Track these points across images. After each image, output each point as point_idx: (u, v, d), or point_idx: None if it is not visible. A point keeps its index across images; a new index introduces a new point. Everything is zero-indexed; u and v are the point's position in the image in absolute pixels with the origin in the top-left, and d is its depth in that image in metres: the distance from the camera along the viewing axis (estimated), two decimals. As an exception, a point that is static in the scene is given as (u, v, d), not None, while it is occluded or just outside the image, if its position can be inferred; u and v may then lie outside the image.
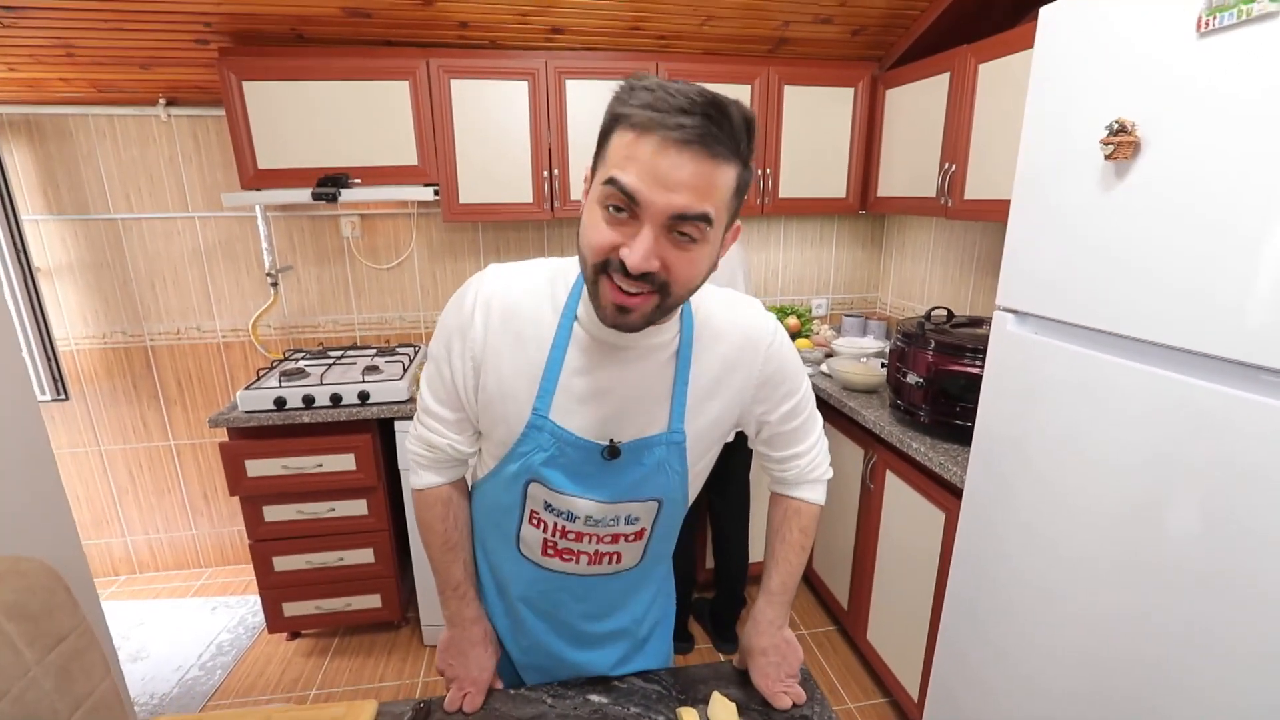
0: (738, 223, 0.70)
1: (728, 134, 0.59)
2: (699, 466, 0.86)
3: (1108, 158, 0.93)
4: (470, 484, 0.95)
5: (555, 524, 0.82)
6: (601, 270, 0.65)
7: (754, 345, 0.81)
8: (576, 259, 0.73)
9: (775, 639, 0.91)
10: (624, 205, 0.61)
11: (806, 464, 0.92)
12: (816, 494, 0.95)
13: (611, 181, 0.61)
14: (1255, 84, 0.76)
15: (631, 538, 0.85)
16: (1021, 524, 1.20)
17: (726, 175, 0.61)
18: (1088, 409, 1.03)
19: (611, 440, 0.77)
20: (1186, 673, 0.90)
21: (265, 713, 0.92)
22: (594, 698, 0.93)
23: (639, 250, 0.61)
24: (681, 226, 0.61)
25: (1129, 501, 0.97)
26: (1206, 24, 0.80)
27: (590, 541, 0.83)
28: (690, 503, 0.90)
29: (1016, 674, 1.23)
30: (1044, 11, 1.08)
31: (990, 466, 1.27)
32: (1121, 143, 0.90)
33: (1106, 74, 0.95)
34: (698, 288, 0.69)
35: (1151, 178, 0.89)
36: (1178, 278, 0.87)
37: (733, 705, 0.87)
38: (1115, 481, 0.99)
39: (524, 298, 0.77)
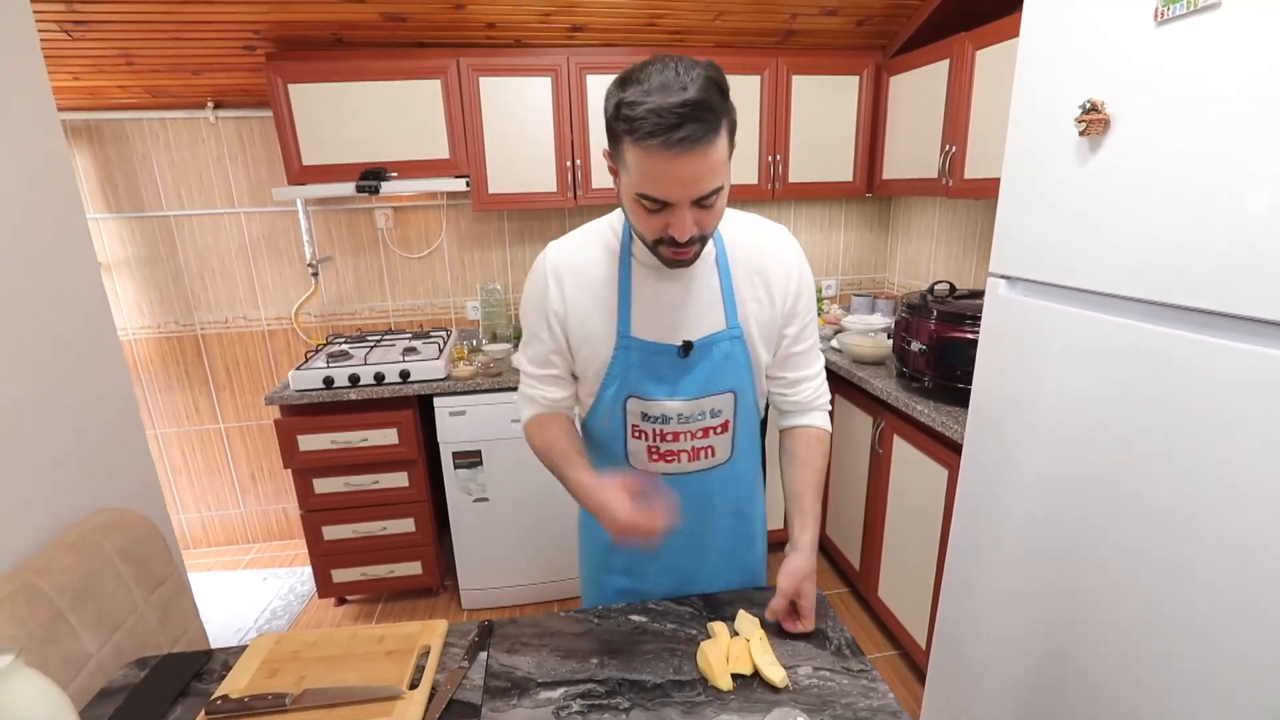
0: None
1: (715, 118, 0.73)
2: (763, 361, 1.01)
3: (1081, 134, 1.04)
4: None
5: (654, 430, 0.99)
6: (658, 242, 0.84)
7: (788, 259, 0.98)
8: (617, 213, 0.96)
9: (813, 564, 1.01)
10: (658, 206, 0.79)
11: (817, 387, 1.06)
12: (826, 420, 1.08)
13: (644, 196, 0.78)
14: (1205, 65, 0.88)
15: (719, 429, 1.01)
16: (1015, 473, 1.32)
17: (722, 143, 0.76)
18: (1071, 361, 1.15)
19: (685, 340, 0.94)
20: (1174, 604, 1.01)
21: (352, 630, 1.06)
22: (635, 617, 1.06)
23: (682, 229, 0.79)
24: (704, 200, 0.78)
25: (1110, 443, 1.09)
26: (1162, 13, 0.91)
27: (685, 439, 1.00)
28: (762, 404, 1.07)
29: (1011, 615, 1.35)
30: (1028, 1, 1.19)
31: (987, 422, 1.39)
32: (1093, 120, 1.01)
33: (1081, 58, 1.07)
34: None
35: (1120, 151, 1.01)
36: (1145, 238, 0.99)
37: (755, 619, 1.00)
38: (1097, 425, 1.11)
39: (582, 253, 0.97)
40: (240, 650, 1.02)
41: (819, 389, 1.06)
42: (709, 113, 0.72)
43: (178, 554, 1.60)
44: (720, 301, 0.95)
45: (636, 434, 1.01)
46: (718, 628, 0.98)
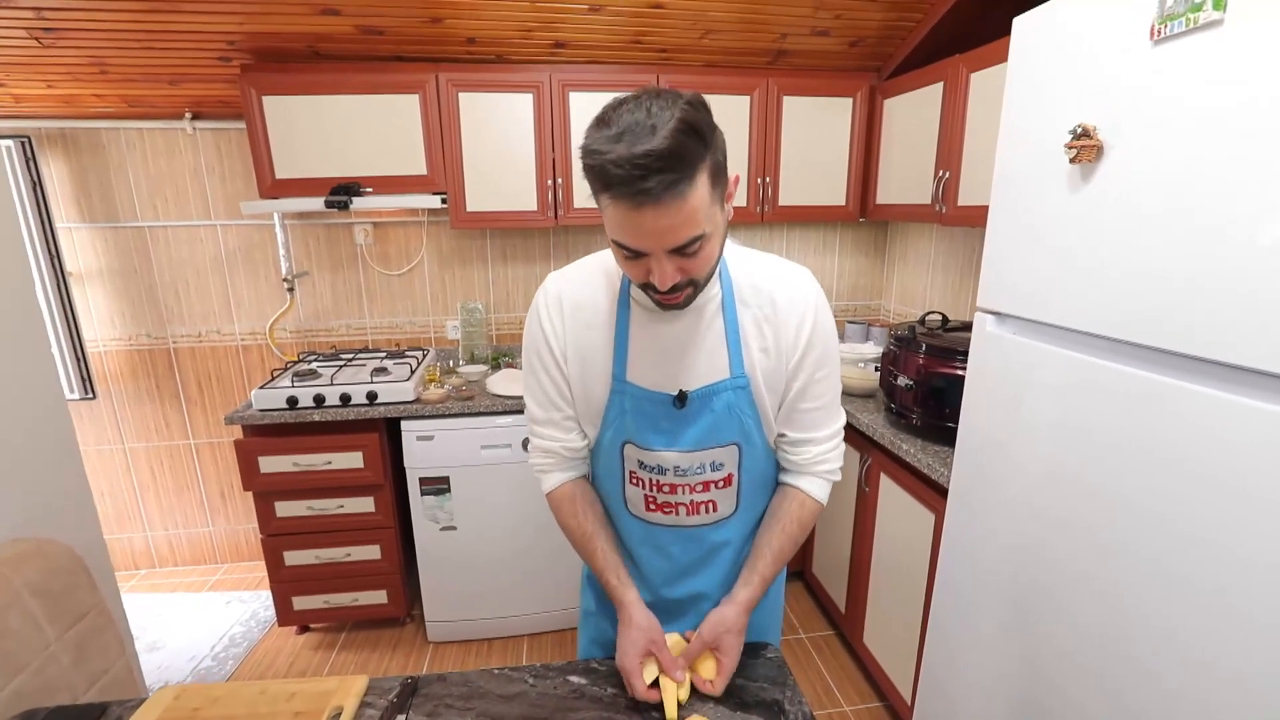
0: (734, 175, 0.78)
1: (687, 166, 0.66)
2: (772, 414, 0.91)
3: (1072, 161, 0.96)
4: None
5: (651, 479, 0.93)
6: (642, 288, 0.79)
7: (801, 308, 0.86)
8: None
9: (743, 622, 0.92)
10: (634, 254, 0.73)
11: (819, 453, 0.93)
12: (821, 490, 0.95)
13: (619, 244, 0.73)
14: (1205, 85, 0.79)
15: (721, 484, 0.93)
16: (1003, 519, 1.21)
17: (698, 190, 0.69)
18: (1059, 402, 1.05)
19: (680, 390, 0.86)
20: (1163, 665, 0.91)
21: (262, 685, 0.97)
22: (574, 678, 0.97)
23: (662, 278, 0.74)
24: (684, 249, 0.72)
25: (1101, 492, 0.99)
26: (1159, 32, 0.83)
27: (684, 492, 0.93)
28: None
29: (1000, 667, 1.24)
30: (1017, 22, 1.12)
31: (973, 465, 1.29)
32: (1084, 146, 0.93)
33: (1072, 79, 0.98)
34: (720, 259, 0.82)
35: (1114, 179, 0.92)
36: (1138, 276, 0.89)
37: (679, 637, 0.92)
38: (1084, 468, 1.01)
39: (584, 289, 0.91)
40: (138, 704, 0.93)
41: (825, 455, 0.94)
42: (679, 162, 0.65)
43: (110, 584, 1.51)
44: (725, 347, 0.87)
45: (634, 481, 0.95)
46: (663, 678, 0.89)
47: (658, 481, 0.93)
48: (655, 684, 0.89)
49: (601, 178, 0.67)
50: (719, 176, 0.72)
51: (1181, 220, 0.83)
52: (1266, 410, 0.74)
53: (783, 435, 0.94)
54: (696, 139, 0.66)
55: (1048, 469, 1.09)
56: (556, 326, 0.90)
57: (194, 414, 2.57)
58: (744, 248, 0.92)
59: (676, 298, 0.78)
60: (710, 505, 0.94)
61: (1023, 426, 1.15)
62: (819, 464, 0.94)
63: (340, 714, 0.89)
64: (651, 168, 0.64)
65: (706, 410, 0.88)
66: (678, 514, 0.95)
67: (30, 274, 1.33)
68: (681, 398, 0.87)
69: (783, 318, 0.86)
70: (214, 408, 2.57)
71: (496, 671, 0.98)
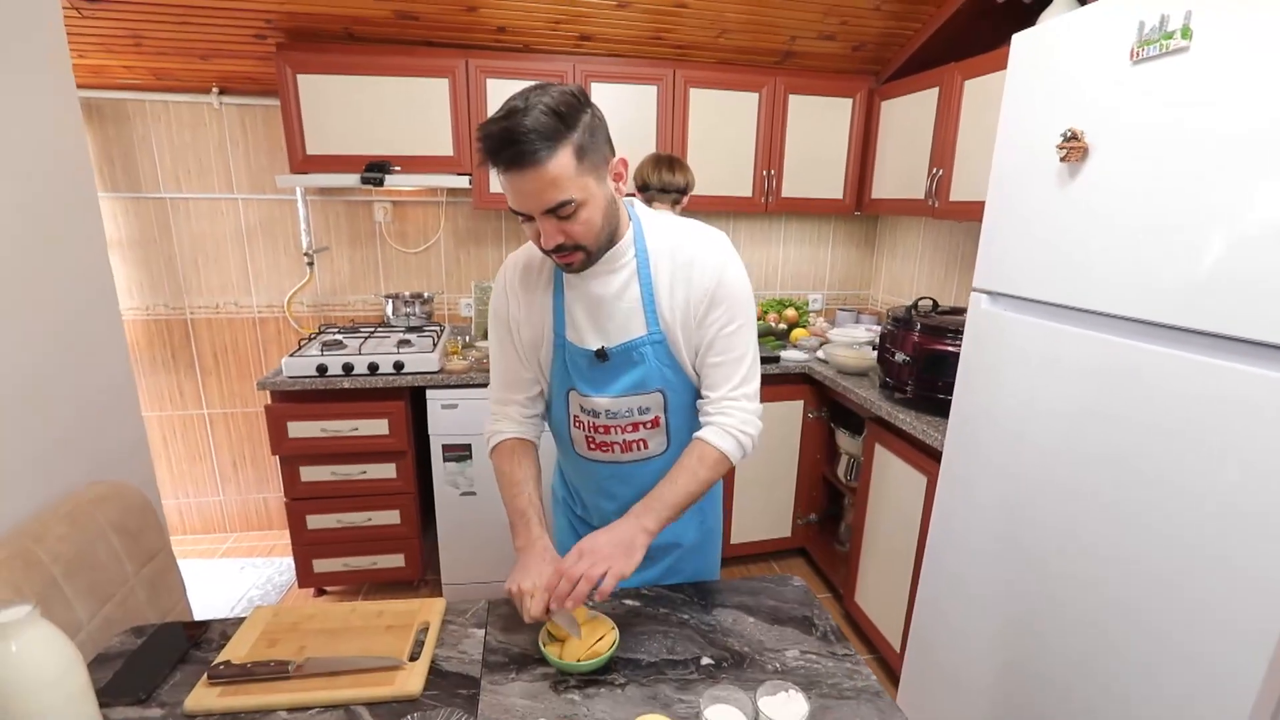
0: (616, 157, 0.90)
1: (537, 139, 0.79)
2: (690, 365, 1.02)
3: (1062, 160, 1.12)
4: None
5: (589, 421, 1.07)
6: (543, 251, 0.92)
7: (711, 264, 0.96)
8: None
9: (622, 533, 0.93)
10: (524, 217, 0.87)
11: (723, 406, 1.00)
12: (720, 440, 0.99)
13: (512, 209, 0.87)
14: (1175, 103, 0.96)
15: (649, 425, 1.06)
16: (990, 478, 1.39)
17: (559, 162, 0.81)
18: (1047, 372, 1.23)
19: (601, 346, 1.00)
20: (1142, 611, 1.08)
21: (351, 605, 1.08)
22: (628, 601, 1.10)
23: (543, 238, 0.87)
24: (557, 212, 0.84)
25: (1080, 450, 1.16)
26: (1137, 53, 1.00)
27: (616, 433, 1.07)
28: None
29: (984, 619, 1.42)
30: (1016, 38, 1.28)
31: (966, 429, 1.46)
32: (1073, 148, 1.09)
33: (1064, 89, 1.15)
34: (608, 227, 0.92)
35: (1097, 177, 1.09)
36: (1117, 257, 1.06)
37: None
38: (1069, 433, 1.18)
39: (528, 257, 1.05)
40: (238, 621, 1.04)
41: (727, 408, 1.00)
42: (534, 135, 0.78)
43: (166, 531, 1.60)
44: (641, 307, 0.98)
45: (577, 424, 1.09)
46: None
47: (594, 424, 1.06)
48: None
49: (480, 150, 0.82)
50: (586, 153, 0.83)
51: (1153, 212, 1.00)
52: (1222, 366, 0.91)
53: (699, 395, 1.05)
54: (556, 119, 0.80)
55: (1033, 431, 1.26)
56: (506, 294, 1.06)
57: (209, 384, 2.62)
58: (667, 216, 1.03)
59: (569, 259, 0.90)
60: (641, 444, 1.07)
61: (1012, 395, 1.32)
62: (721, 416, 1.00)
63: (427, 628, 1.01)
64: (508, 140, 0.78)
65: (628, 363, 1.00)
66: (613, 451, 1.09)
67: (104, 246, 1.40)
68: (601, 353, 1.00)
69: (694, 276, 0.96)
70: (229, 379, 2.63)
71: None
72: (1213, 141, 0.91)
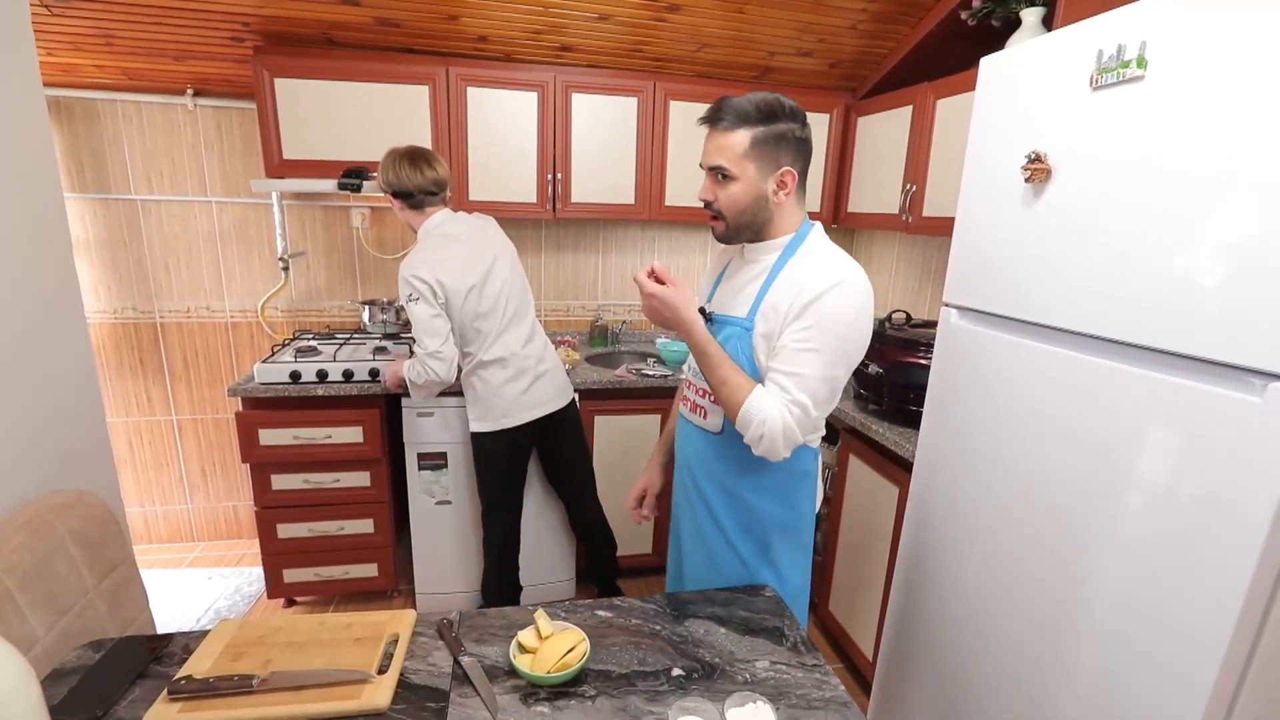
0: (784, 170, 1.05)
1: (730, 113, 1.01)
2: (764, 361, 1.07)
3: (1026, 180, 1.16)
4: None
5: (689, 371, 1.25)
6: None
7: (817, 285, 1.01)
8: None
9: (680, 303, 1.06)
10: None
11: (778, 382, 1.02)
12: (760, 398, 1.01)
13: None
14: (1130, 128, 1.00)
15: (715, 399, 1.11)
16: (959, 489, 1.41)
17: (734, 138, 1.02)
18: (1012, 385, 1.26)
19: (707, 308, 1.17)
20: (1108, 617, 1.11)
21: (319, 617, 1.07)
22: (601, 613, 1.10)
23: (701, 189, 1.10)
24: (716, 173, 1.06)
25: (1045, 461, 1.19)
26: (1097, 80, 1.03)
27: (692, 391, 1.22)
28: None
29: (954, 627, 1.44)
30: (983, 62, 1.32)
31: (935, 440, 1.49)
32: (1037, 169, 1.13)
33: (1028, 113, 1.19)
34: (750, 213, 1.08)
35: (1060, 197, 1.13)
36: (1078, 276, 1.10)
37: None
38: (1033, 446, 1.21)
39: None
40: (202, 635, 1.02)
41: (783, 384, 1.02)
42: (732, 110, 1.02)
43: (129, 541, 1.56)
44: (754, 296, 1.10)
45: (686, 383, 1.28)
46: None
47: (688, 376, 1.25)
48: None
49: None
50: (760, 146, 1.02)
51: (1112, 232, 1.03)
52: (1175, 383, 0.95)
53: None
54: (754, 109, 1.01)
55: (999, 442, 1.29)
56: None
57: (178, 390, 2.57)
58: (832, 244, 1.10)
59: (713, 222, 1.11)
60: (703, 411, 1.19)
61: (981, 407, 1.35)
62: (776, 390, 1.02)
63: (396, 640, 1.00)
64: (718, 105, 1.03)
65: (720, 333, 1.12)
66: (687, 405, 1.24)
67: (69, 248, 1.37)
68: (704, 313, 1.13)
69: (803, 286, 1.02)
70: (199, 384, 2.58)
71: (531, 608, 1.11)
72: (1167, 166, 0.94)
